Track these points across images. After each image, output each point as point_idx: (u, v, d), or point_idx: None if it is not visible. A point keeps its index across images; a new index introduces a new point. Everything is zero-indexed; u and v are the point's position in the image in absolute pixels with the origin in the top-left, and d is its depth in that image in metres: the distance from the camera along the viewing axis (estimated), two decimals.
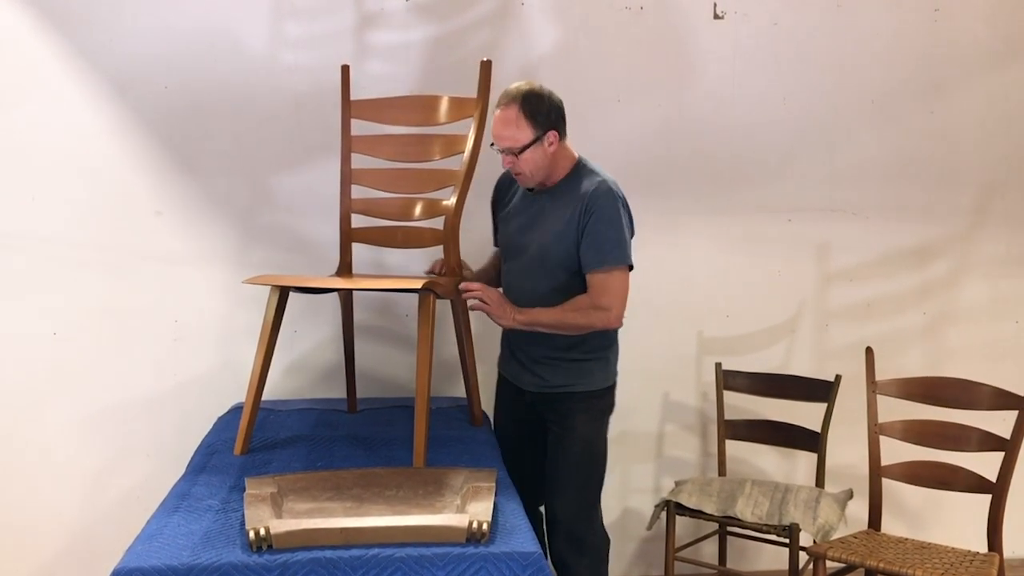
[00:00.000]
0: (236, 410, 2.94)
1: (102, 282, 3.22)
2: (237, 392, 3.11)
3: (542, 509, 2.88)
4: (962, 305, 3.66)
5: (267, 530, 1.84)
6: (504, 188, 2.85)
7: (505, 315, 2.59)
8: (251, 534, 1.84)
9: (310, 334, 3.36)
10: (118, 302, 3.24)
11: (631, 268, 2.67)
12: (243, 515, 1.98)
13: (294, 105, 3.24)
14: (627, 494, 3.59)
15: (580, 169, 2.69)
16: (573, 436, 2.71)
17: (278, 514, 1.98)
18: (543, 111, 2.57)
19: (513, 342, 2.82)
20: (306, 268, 3.24)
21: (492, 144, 2.62)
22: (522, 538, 1.93)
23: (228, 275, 3.26)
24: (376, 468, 2.21)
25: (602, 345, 2.74)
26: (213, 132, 3.23)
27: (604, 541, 2.85)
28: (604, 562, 2.84)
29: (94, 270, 3.21)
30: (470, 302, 2.64)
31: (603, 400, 2.79)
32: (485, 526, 1.89)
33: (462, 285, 2.62)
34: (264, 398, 3.18)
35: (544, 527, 2.83)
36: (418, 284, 2.37)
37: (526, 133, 2.55)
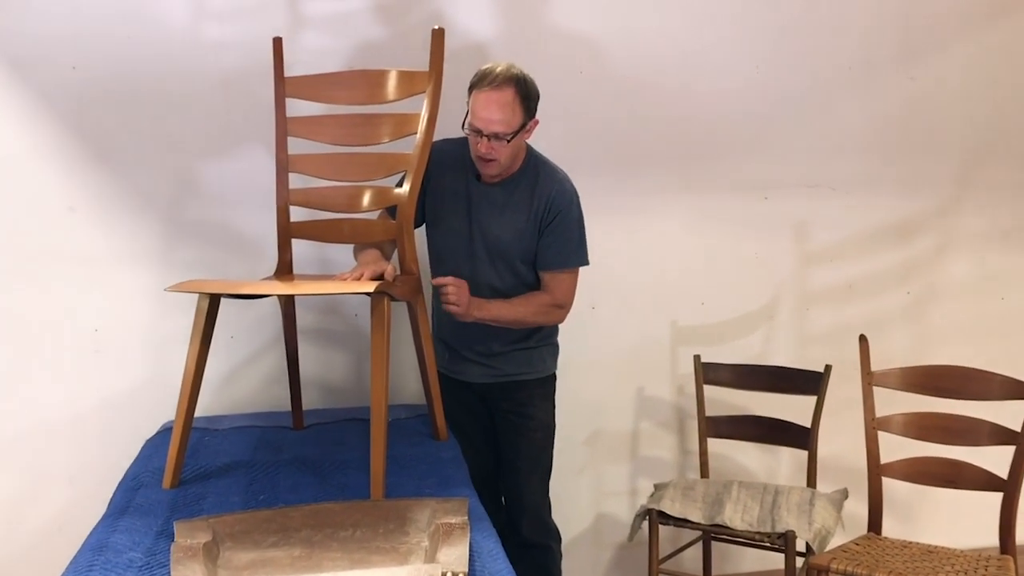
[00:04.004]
0: (166, 431, 2.61)
1: (10, 289, 2.85)
2: (168, 408, 2.75)
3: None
4: (947, 283, 3.47)
5: None
6: (437, 160, 2.55)
7: (468, 313, 2.46)
8: None
9: (249, 339, 3.03)
10: (29, 311, 2.87)
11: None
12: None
13: (222, 84, 2.89)
14: (601, 498, 3.34)
15: (534, 162, 2.61)
16: (533, 423, 2.74)
17: (212, 572, 1.67)
18: (533, 96, 2.47)
19: (453, 338, 2.71)
20: (242, 267, 2.92)
21: (467, 126, 2.44)
22: None
23: (153, 277, 2.91)
24: (328, 503, 1.91)
25: (551, 332, 2.77)
26: (130, 117, 2.86)
27: (556, 527, 2.89)
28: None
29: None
30: (445, 298, 2.45)
31: (552, 385, 2.82)
32: None
33: (435, 280, 2.48)
34: (199, 415, 2.89)
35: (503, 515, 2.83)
36: (371, 286, 2.06)
37: (518, 119, 2.44)
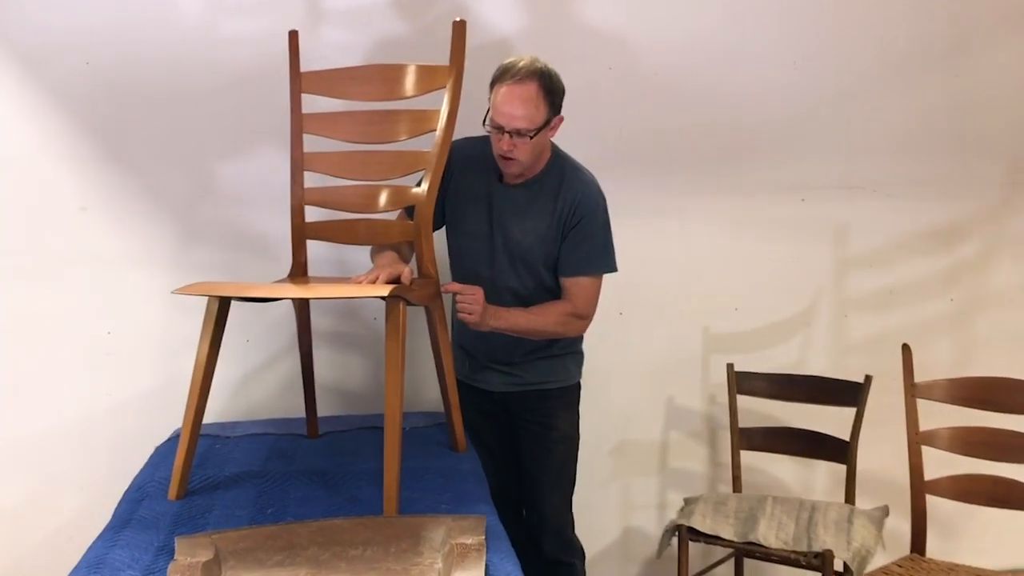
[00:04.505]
0: (177, 437, 2.51)
1: (21, 291, 2.79)
2: (181, 413, 2.68)
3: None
4: (994, 289, 3.30)
5: None
6: (458, 158, 2.46)
7: (483, 322, 2.33)
8: None
9: (265, 343, 2.95)
10: (40, 313, 2.81)
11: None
12: None
13: (238, 81, 2.80)
14: (628, 511, 3.22)
15: (560, 163, 2.47)
16: (556, 435, 2.62)
17: None
18: (558, 92, 2.34)
19: (472, 345, 2.61)
20: (258, 269, 2.81)
21: (488, 123, 2.32)
22: None
23: (167, 278, 2.82)
24: (337, 519, 1.80)
25: (575, 340, 2.64)
26: (144, 114, 2.79)
27: (580, 543, 2.78)
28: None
29: (10, 277, 2.78)
30: (459, 306, 2.33)
31: (577, 394, 2.69)
32: None
33: (445, 287, 2.31)
34: (213, 420, 2.82)
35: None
36: (385, 290, 1.96)
37: (542, 114, 2.31)
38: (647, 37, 2.98)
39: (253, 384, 2.95)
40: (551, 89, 2.30)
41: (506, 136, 2.28)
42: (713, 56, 3.02)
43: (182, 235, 2.85)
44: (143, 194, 2.82)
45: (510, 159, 2.32)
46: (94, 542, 1.87)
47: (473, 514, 1.82)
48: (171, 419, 2.76)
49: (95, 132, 2.78)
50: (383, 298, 1.97)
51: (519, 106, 2.26)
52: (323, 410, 2.78)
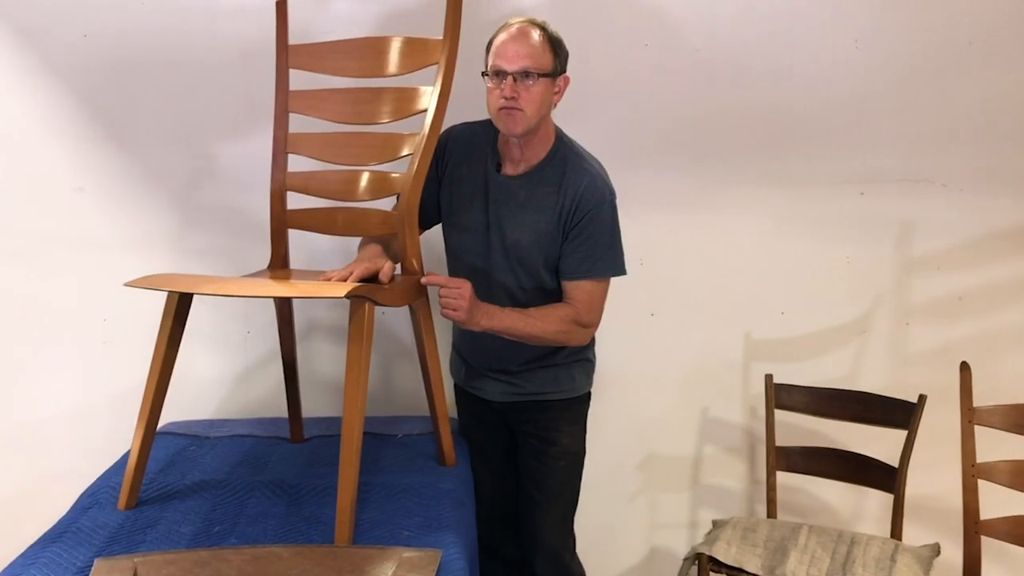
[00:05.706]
0: (161, 434, 2.36)
1: (13, 275, 2.69)
2: (177, 406, 2.54)
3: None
4: None
5: None
6: (455, 146, 2.25)
7: (472, 321, 2.09)
8: None
9: (267, 335, 2.77)
10: (34, 299, 2.71)
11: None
12: None
13: (241, 55, 2.64)
14: (655, 530, 2.96)
15: (563, 151, 2.23)
16: (557, 450, 2.39)
17: None
18: (562, 49, 2.16)
19: (468, 350, 2.38)
20: (260, 256, 2.60)
21: (488, 72, 2.10)
22: None
23: (166, 264, 2.71)
24: (275, 547, 1.61)
25: (585, 346, 2.39)
26: (144, 90, 2.65)
27: (580, 568, 2.53)
28: None
29: (2, 260, 2.68)
30: (442, 301, 2.09)
31: (584, 407, 2.45)
32: None
33: (426, 279, 2.08)
34: (205, 417, 2.70)
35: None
36: (342, 290, 1.75)
37: (548, 60, 2.11)
38: (689, 10, 2.70)
39: (253, 378, 2.80)
40: (556, 41, 2.13)
41: (509, 79, 2.05)
42: (763, 32, 2.73)
43: (183, 218, 2.73)
44: (142, 174, 2.70)
45: (513, 110, 2.07)
46: (16, 558, 1.73)
47: (429, 548, 1.60)
48: (168, 411, 2.55)
49: (92, 108, 2.66)
50: (347, 297, 1.76)
51: (524, 44, 2.06)
52: (321, 410, 2.64)
